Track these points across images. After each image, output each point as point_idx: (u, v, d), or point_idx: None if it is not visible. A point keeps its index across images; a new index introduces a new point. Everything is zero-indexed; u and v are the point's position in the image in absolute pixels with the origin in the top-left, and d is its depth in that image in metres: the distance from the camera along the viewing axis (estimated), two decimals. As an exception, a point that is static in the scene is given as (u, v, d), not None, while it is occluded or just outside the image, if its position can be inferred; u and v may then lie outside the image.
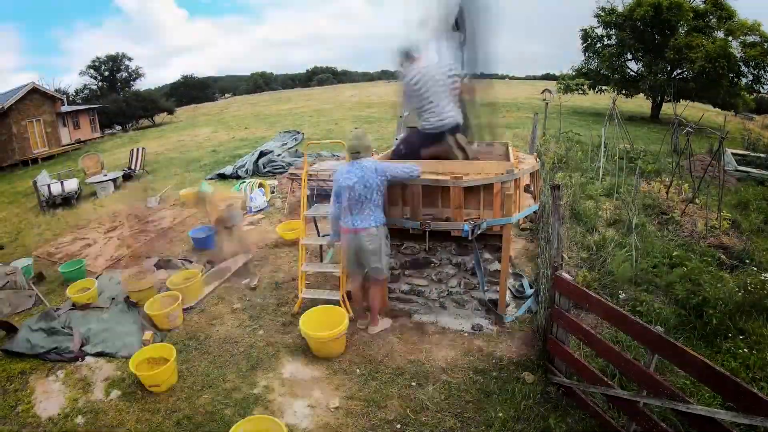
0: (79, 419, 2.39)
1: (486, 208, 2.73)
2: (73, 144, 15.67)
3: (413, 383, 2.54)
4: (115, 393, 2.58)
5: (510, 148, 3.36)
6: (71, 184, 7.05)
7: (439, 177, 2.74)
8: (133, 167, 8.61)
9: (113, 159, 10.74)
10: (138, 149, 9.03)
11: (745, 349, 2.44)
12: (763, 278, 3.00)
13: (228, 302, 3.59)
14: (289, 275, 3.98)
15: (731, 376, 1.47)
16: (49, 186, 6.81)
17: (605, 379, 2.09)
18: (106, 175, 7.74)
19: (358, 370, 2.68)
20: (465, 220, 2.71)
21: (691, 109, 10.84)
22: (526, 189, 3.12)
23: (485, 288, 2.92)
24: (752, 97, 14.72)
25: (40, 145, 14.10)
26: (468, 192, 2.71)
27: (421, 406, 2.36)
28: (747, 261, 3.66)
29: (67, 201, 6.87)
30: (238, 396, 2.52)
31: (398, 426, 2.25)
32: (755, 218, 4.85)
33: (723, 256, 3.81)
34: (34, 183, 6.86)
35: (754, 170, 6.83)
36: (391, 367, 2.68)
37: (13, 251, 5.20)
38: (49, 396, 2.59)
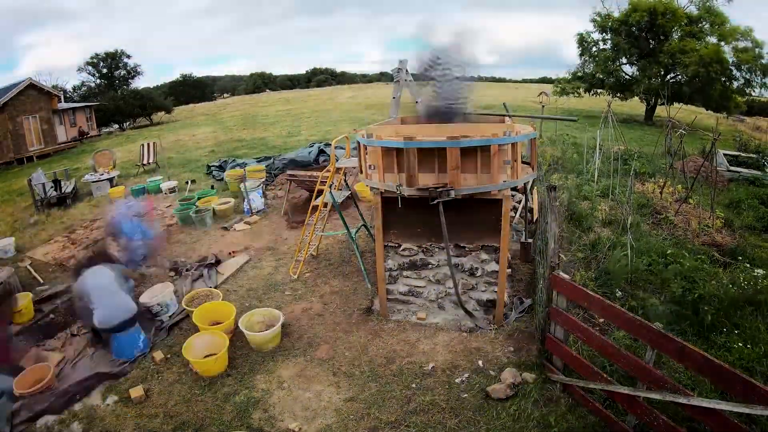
0: (75, 425, 2.37)
1: (483, 172, 2.62)
2: (69, 142, 15.50)
3: (413, 384, 2.54)
4: (112, 398, 2.56)
5: (509, 115, 3.32)
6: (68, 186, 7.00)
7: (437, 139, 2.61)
8: (145, 162, 8.54)
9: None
10: (149, 143, 8.92)
11: (739, 343, 2.49)
12: (755, 274, 3.07)
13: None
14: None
15: (730, 368, 1.51)
16: (44, 185, 6.74)
17: (604, 375, 2.12)
18: (102, 174, 7.68)
19: (357, 371, 2.68)
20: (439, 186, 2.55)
21: (684, 112, 11.02)
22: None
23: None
24: (744, 99, 15.03)
25: (36, 142, 13.91)
26: (465, 155, 2.59)
27: (422, 407, 2.37)
28: (739, 258, 3.72)
29: (62, 200, 6.80)
30: (237, 399, 2.51)
31: (399, 427, 2.25)
32: (747, 216, 4.95)
33: (716, 254, 3.87)
34: (29, 181, 6.78)
35: (745, 170, 6.95)
36: (391, 369, 2.69)
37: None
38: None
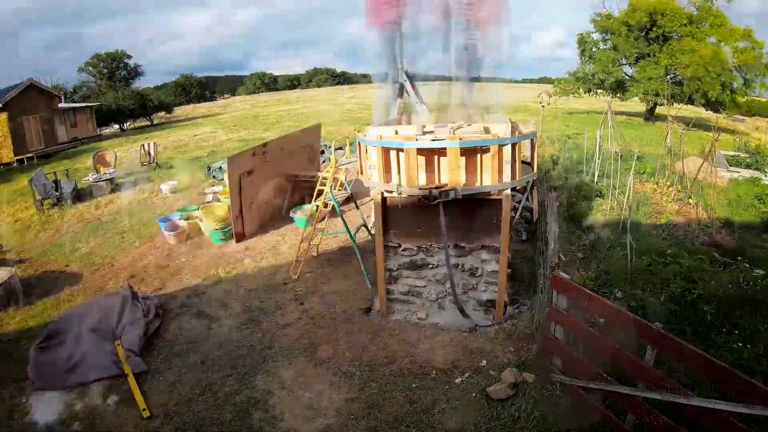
0: (76, 425, 2.38)
1: (483, 172, 2.65)
2: (70, 142, 15.51)
3: (414, 384, 2.55)
4: (113, 398, 2.57)
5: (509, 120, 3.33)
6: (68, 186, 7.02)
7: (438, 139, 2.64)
8: (149, 161, 8.60)
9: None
10: (149, 143, 9.01)
11: (739, 343, 2.49)
12: (755, 274, 3.07)
13: (225, 304, 3.59)
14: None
15: (729, 368, 1.52)
16: (44, 185, 6.74)
17: (604, 375, 2.12)
18: (104, 174, 7.68)
19: (358, 372, 2.69)
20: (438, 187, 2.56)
21: (684, 112, 11.04)
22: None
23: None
24: (743, 100, 15.05)
25: (37, 142, 13.93)
26: (466, 155, 2.60)
27: (423, 408, 2.37)
28: (739, 258, 3.72)
29: (63, 200, 6.80)
30: (238, 399, 2.51)
31: (399, 427, 2.26)
32: (746, 216, 4.94)
33: (716, 254, 3.87)
34: (30, 181, 6.79)
35: (744, 170, 6.96)
36: (392, 369, 2.69)
37: (7, 251, 5.14)
38: (46, 401, 2.57)
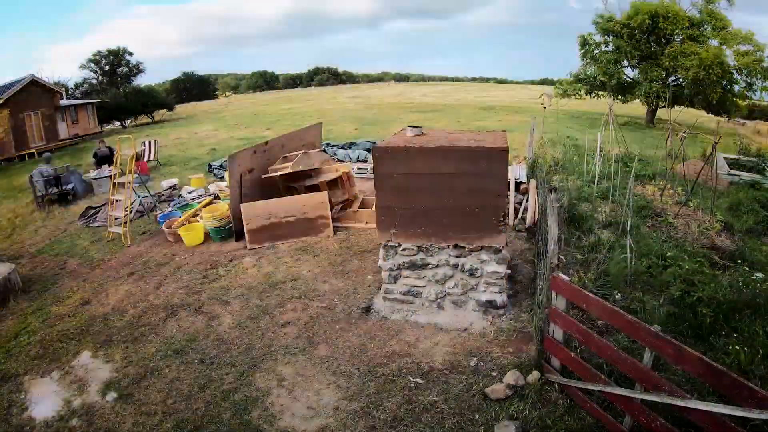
0: (75, 422, 2.38)
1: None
2: (71, 138, 15.52)
3: (412, 384, 2.55)
4: (112, 395, 2.57)
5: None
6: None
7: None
8: (149, 159, 8.63)
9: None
10: (150, 141, 9.05)
11: (737, 347, 2.49)
12: (755, 278, 3.07)
13: (225, 302, 3.59)
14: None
15: (728, 372, 1.51)
16: (45, 181, 6.75)
17: (602, 376, 2.12)
18: (104, 170, 7.69)
19: (357, 371, 2.69)
20: None
21: (685, 115, 11.05)
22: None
23: None
24: (744, 103, 15.08)
25: (38, 138, 13.94)
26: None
27: (421, 407, 2.38)
28: (739, 261, 3.73)
29: (63, 197, 6.81)
30: (236, 397, 2.51)
31: (398, 427, 2.26)
32: (746, 220, 4.95)
33: (716, 257, 3.87)
34: (30, 178, 6.80)
35: (745, 174, 6.96)
36: (390, 368, 2.69)
37: (7, 248, 5.15)
38: (44, 398, 2.58)
